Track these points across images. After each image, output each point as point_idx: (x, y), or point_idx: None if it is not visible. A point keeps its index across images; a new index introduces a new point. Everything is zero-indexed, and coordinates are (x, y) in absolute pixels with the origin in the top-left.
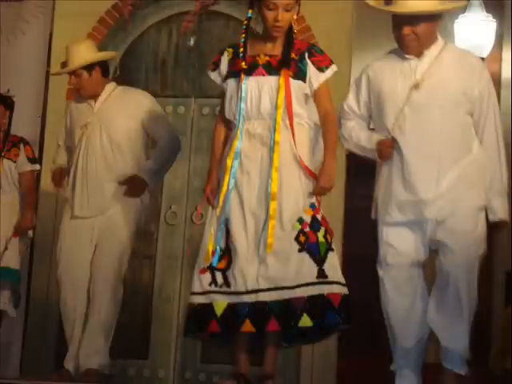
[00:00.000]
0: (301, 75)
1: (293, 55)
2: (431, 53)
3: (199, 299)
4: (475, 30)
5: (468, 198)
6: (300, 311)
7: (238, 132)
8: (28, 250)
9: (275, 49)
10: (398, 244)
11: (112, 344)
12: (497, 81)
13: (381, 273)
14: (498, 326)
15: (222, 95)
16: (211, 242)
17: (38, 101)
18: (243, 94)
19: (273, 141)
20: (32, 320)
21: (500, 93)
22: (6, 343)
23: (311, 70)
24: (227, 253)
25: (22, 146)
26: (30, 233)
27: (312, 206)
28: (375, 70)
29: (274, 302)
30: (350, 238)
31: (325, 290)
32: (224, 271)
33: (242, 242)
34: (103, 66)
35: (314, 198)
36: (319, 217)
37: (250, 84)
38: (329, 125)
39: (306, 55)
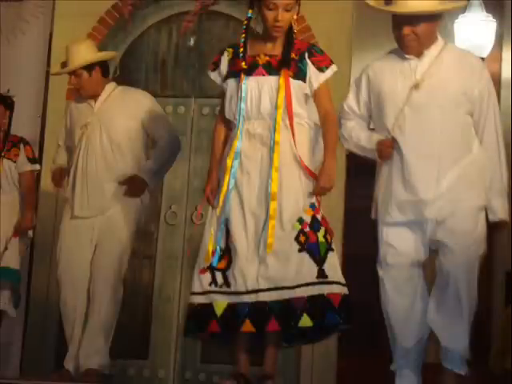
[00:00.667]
0: (301, 75)
1: (293, 55)
2: (431, 53)
3: (199, 299)
4: (475, 30)
5: (468, 198)
6: (300, 311)
7: (238, 132)
8: (28, 250)
9: (275, 49)
10: (398, 244)
11: (112, 344)
12: (497, 81)
13: (381, 273)
14: (498, 325)
15: (221, 95)
16: (211, 242)
17: (38, 101)
18: (243, 94)
19: (273, 141)
20: (32, 320)
21: (500, 93)
22: (5, 343)
23: (311, 69)
24: (227, 253)
25: (22, 146)
26: (30, 233)
27: (312, 206)
28: (375, 69)
29: (274, 302)
30: (350, 238)
31: (325, 289)
32: (224, 271)
33: (242, 241)
34: (103, 66)
35: (314, 197)
36: (319, 217)
37: (250, 84)
38: (329, 125)
39: (306, 55)
